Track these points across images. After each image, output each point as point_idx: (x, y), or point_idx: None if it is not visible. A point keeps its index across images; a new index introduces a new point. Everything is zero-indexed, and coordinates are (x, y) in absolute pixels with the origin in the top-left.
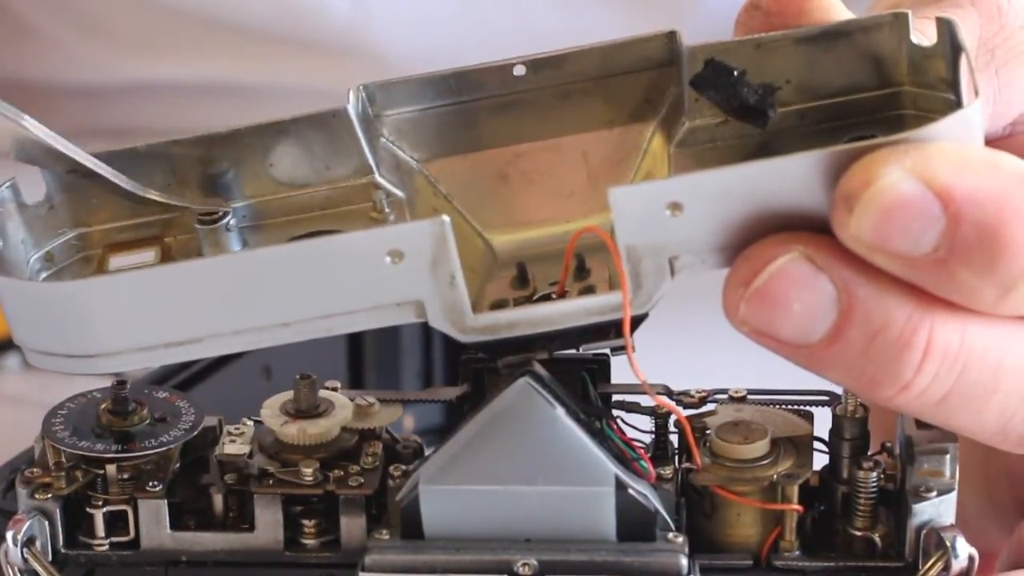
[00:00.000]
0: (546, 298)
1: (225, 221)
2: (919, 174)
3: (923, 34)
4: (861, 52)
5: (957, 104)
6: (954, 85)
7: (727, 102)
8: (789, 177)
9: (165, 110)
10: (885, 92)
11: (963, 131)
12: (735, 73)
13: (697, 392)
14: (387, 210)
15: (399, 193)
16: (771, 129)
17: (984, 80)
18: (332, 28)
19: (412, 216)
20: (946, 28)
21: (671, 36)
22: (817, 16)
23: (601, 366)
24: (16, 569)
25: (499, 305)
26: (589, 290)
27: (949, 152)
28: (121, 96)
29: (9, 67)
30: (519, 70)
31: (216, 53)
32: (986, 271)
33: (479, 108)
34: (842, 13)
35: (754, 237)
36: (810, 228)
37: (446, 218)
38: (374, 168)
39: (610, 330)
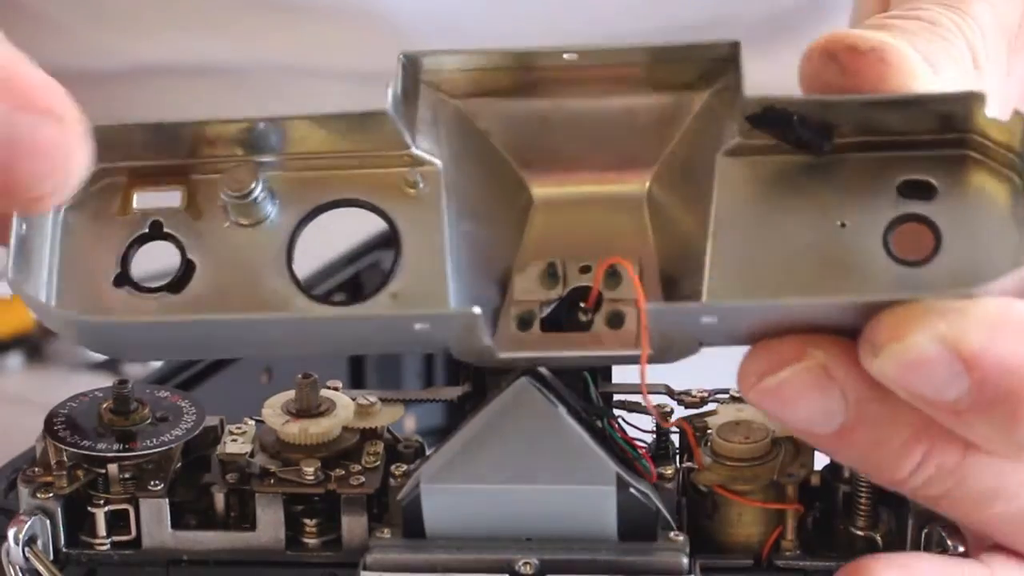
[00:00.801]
0: (575, 305)
1: (253, 197)
2: (950, 341)
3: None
4: (930, 112)
5: (1021, 171)
6: (1022, 160)
7: (783, 137)
8: (825, 311)
9: (168, 93)
10: (949, 136)
11: (1017, 286)
12: (794, 118)
13: (698, 391)
14: (422, 185)
15: (436, 162)
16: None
17: (1019, 61)
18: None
19: (448, 181)
20: (1021, 124)
21: (734, 46)
22: (896, 83)
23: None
24: (17, 568)
25: (526, 320)
26: (617, 318)
27: (989, 314)
28: (119, 81)
29: None
30: (570, 56)
31: (221, 29)
32: (1004, 431)
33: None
34: (922, 79)
35: (781, 334)
36: (834, 332)
37: (477, 310)
38: (411, 143)
39: None
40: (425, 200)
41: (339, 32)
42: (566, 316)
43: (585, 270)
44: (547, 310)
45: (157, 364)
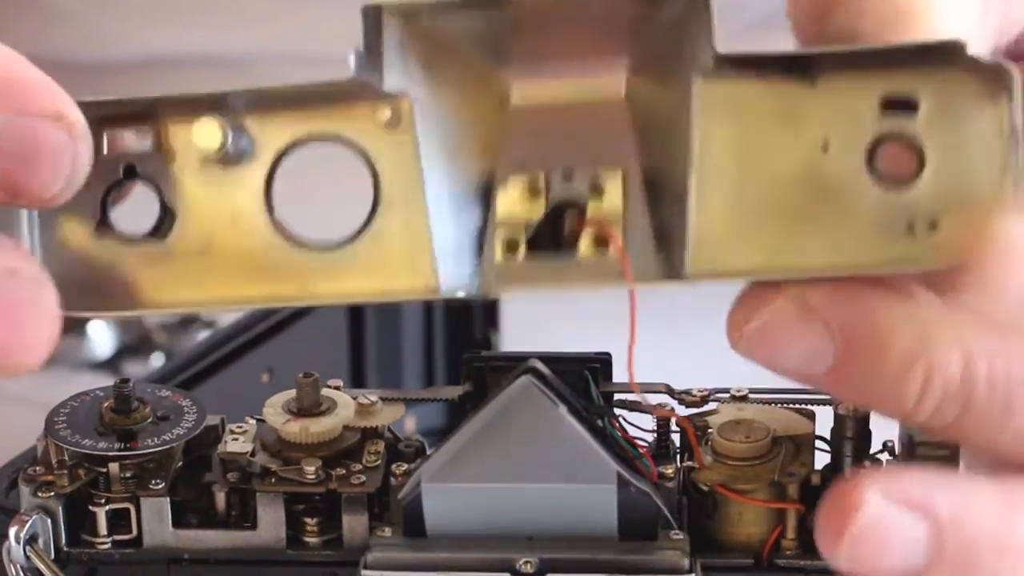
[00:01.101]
0: (559, 222)
1: (226, 140)
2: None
3: None
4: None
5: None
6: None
7: (759, 73)
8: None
9: (175, 85)
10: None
11: None
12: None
13: (699, 391)
14: (392, 118)
15: (408, 94)
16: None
17: None
18: None
19: (421, 110)
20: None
21: None
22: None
23: (603, 364)
24: (19, 567)
25: (513, 246)
26: (602, 239)
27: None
28: (127, 71)
29: (11, 43)
30: None
31: (228, 19)
32: None
33: None
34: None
35: None
36: None
37: (461, 293)
38: (380, 84)
39: None
40: (399, 134)
41: (345, 21)
42: (551, 235)
43: (568, 176)
44: (531, 231)
45: (158, 363)
